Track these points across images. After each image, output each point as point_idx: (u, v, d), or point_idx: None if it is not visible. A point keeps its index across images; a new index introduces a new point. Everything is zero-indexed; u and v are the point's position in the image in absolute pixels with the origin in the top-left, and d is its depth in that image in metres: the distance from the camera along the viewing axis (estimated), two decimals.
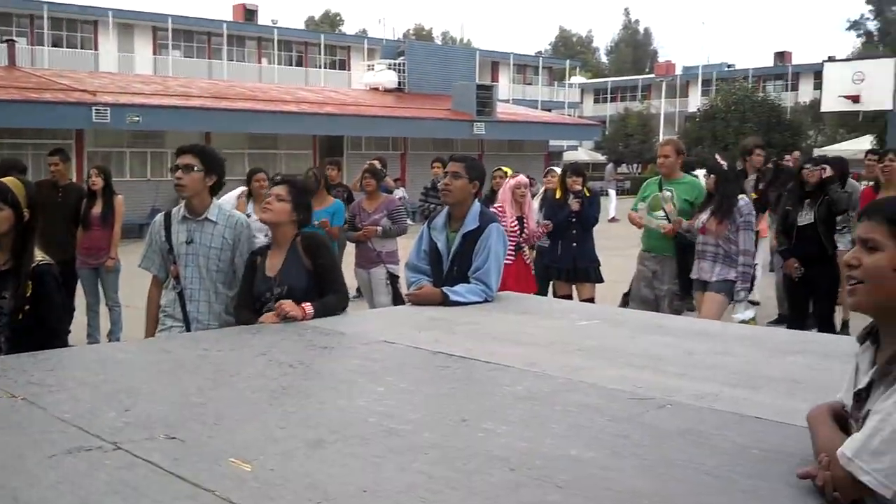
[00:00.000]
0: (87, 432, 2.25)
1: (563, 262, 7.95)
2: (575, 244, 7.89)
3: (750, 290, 6.85)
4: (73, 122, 21.99)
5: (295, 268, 4.02)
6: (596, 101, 66.13)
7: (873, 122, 30.01)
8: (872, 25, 33.26)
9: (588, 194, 8.05)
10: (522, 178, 7.89)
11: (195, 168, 4.17)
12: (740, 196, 6.56)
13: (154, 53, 40.73)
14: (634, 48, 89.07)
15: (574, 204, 7.83)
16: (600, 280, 8.11)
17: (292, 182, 4.26)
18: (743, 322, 6.50)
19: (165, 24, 40.38)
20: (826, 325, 6.89)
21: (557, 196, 8.19)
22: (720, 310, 6.54)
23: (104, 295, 8.22)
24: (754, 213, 6.62)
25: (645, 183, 7.63)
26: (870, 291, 1.83)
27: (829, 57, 34.06)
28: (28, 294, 3.33)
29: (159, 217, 4.44)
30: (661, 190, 6.99)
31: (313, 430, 2.27)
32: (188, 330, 4.22)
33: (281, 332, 3.60)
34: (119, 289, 8.26)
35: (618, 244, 11.95)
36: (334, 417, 2.38)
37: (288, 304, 3.82)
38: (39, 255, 3.45)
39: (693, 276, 6.71)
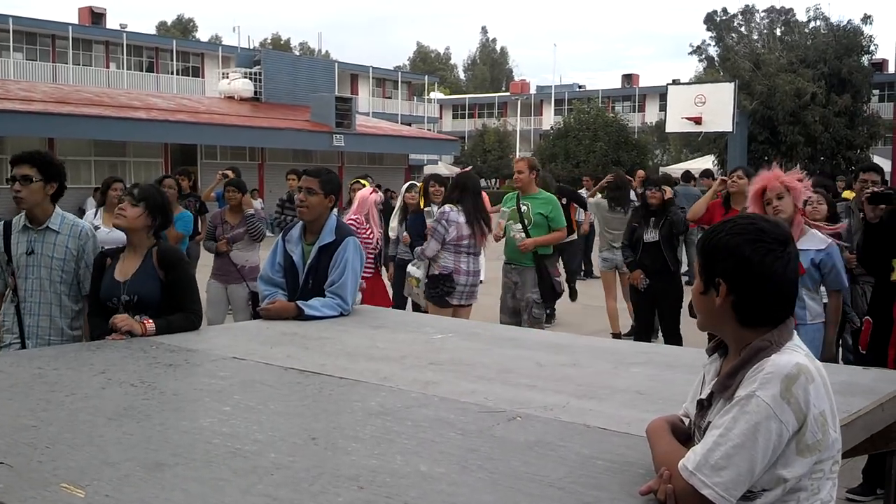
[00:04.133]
0: None
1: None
2: None
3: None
4: None
5: (147, 277, 3.85)
6: (455, 116, 67.10)
7: (714, 142, 31.70)
8: (713, 51, 35.14)
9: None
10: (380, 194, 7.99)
11: (34, 179, 3.97)
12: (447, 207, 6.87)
13: None
14: (491, 66, 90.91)
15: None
16: None
17: (144, 187, 4.09)
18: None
19: (6, 25, 38.14)
20: (672, 338, 7.21)
21: (421, 206, 8.26)
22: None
23: None
24: (443, 222, 6.78)
25: (505, 196, 7.83)
26: (699, 316, 2.00)
27: (674, 80, 35.78)
28: None
29: None
30: (518, 203, 7.20)
31: (153, 452, 2.17)
32: (24, 346, 4.00)
33: (123, 350, 3.44)
34: None
35: None
36: (176, 439, 2.29)
37: (121, 319, 3.67)
38: None
39: None
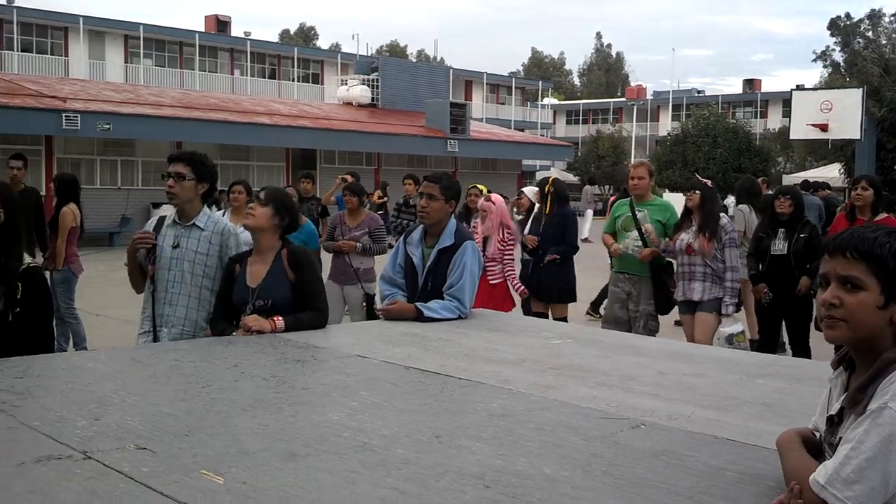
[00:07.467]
0: (57, 441, 2.22)
1: (532, 279, 7.86)
2: (541, 264, 7.73)
3: (739, 305, 6.94)
4: (41, 129, 21.74)
5: (278, 280, 3.96)
6: (568, 122, 66.71)
7: (841, 150, 30.42)
8: (839, 56, 33.76)
9: (548, 212, 7.81)
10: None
11: (187, 177, 4.18)
12: (722, 214, 6.64)
13: (125, 62, 40.47)
14: (606, 72, 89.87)
15: (529, 241, 7.82)
16: (565, 300, 8.05)
17: (270, 189, 4.24)
18: (731, 335, 6.53)
19: (137, 32, 40.11)
20: (801, 351, 6.93)
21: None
22: (713, 329, 6.62)
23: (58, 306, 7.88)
24: (737, 230, 6.72)
25: (616, 204, 7.60)
26: (854, 329, 1.82)
27: (798, 86, 34.58)
28: (18, 296, 3.31)
29: (155, 219, 4.45)
30: (632, 211, 7.01)
31: (286, 443, 2.25)
32: (155, 334, 4.20)
33: (254, 345, 3.57)
34: (75, 300, 7.96)
35: (588, 264, 11.99)
36: (307, 431, 2.37)
37: (251, 320, 3.80)
38: (28, 258, 3.43)
39: (679, 297, 6.77)
